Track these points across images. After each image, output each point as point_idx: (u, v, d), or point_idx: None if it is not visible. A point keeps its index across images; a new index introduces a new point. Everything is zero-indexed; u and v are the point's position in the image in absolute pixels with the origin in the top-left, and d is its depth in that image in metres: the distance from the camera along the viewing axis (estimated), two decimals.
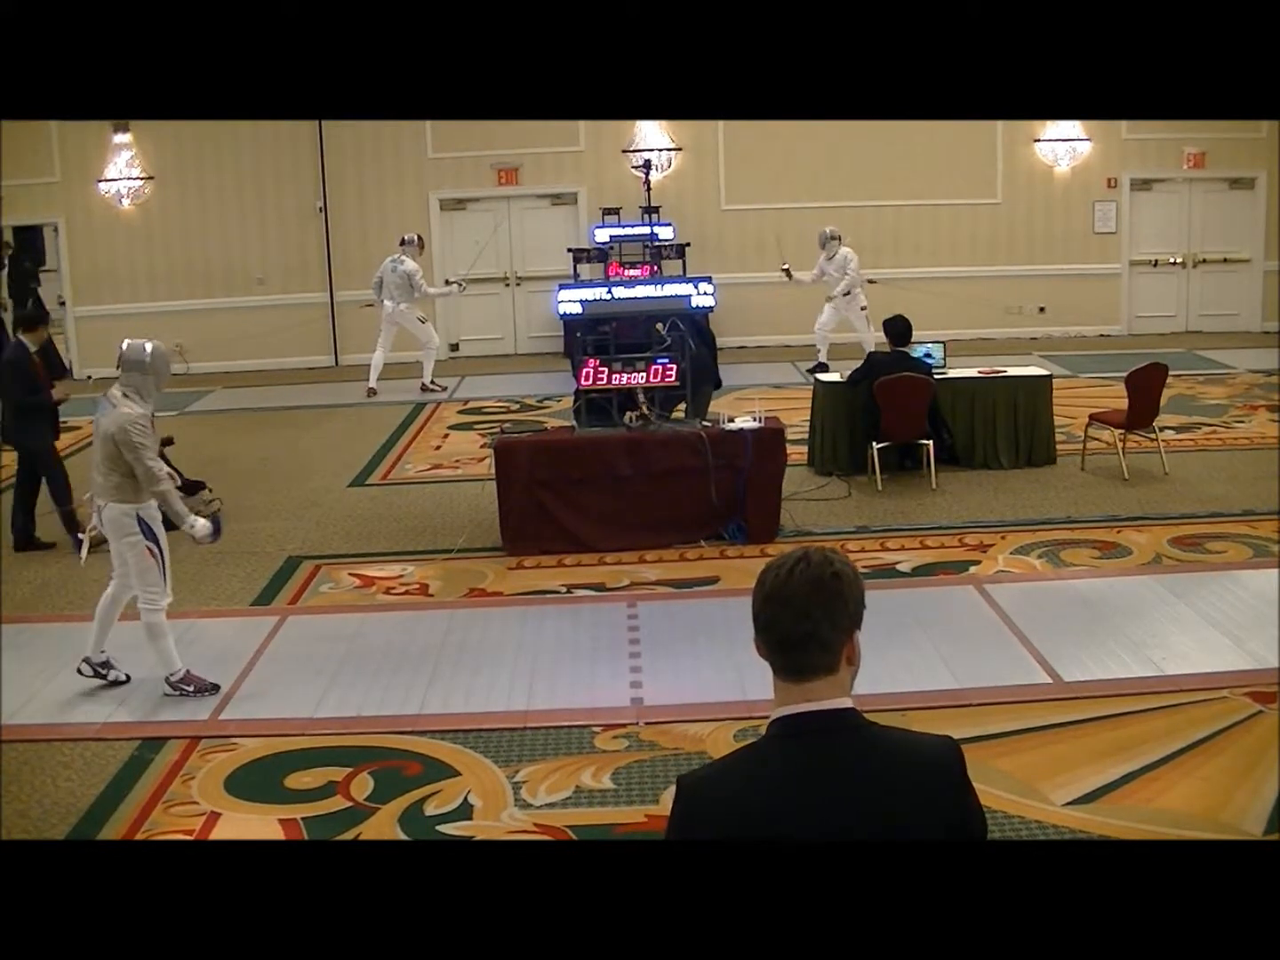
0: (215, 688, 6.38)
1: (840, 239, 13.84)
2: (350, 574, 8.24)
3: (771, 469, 8.53)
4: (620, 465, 8.42)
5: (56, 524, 9.00)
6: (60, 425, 9.42)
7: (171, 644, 6.33)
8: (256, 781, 5.50)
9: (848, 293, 13.78)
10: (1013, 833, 4.82)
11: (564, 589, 7.81)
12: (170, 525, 6.35)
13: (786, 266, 14.11)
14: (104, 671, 6.44)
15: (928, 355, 10.26)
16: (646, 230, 15.04)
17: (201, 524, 6.27)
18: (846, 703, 2.15)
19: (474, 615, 7.46)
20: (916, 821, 2.09)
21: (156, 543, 6.26)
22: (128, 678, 6.47)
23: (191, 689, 6.33)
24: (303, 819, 5.16)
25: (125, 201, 16.43)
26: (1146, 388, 9.84)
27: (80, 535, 6.48)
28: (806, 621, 2.11)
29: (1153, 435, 9.93)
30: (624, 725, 5.88)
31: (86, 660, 6.41)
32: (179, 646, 6.41)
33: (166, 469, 6.30)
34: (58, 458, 9.21)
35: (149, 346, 6.20)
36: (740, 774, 2.17)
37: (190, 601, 7.79)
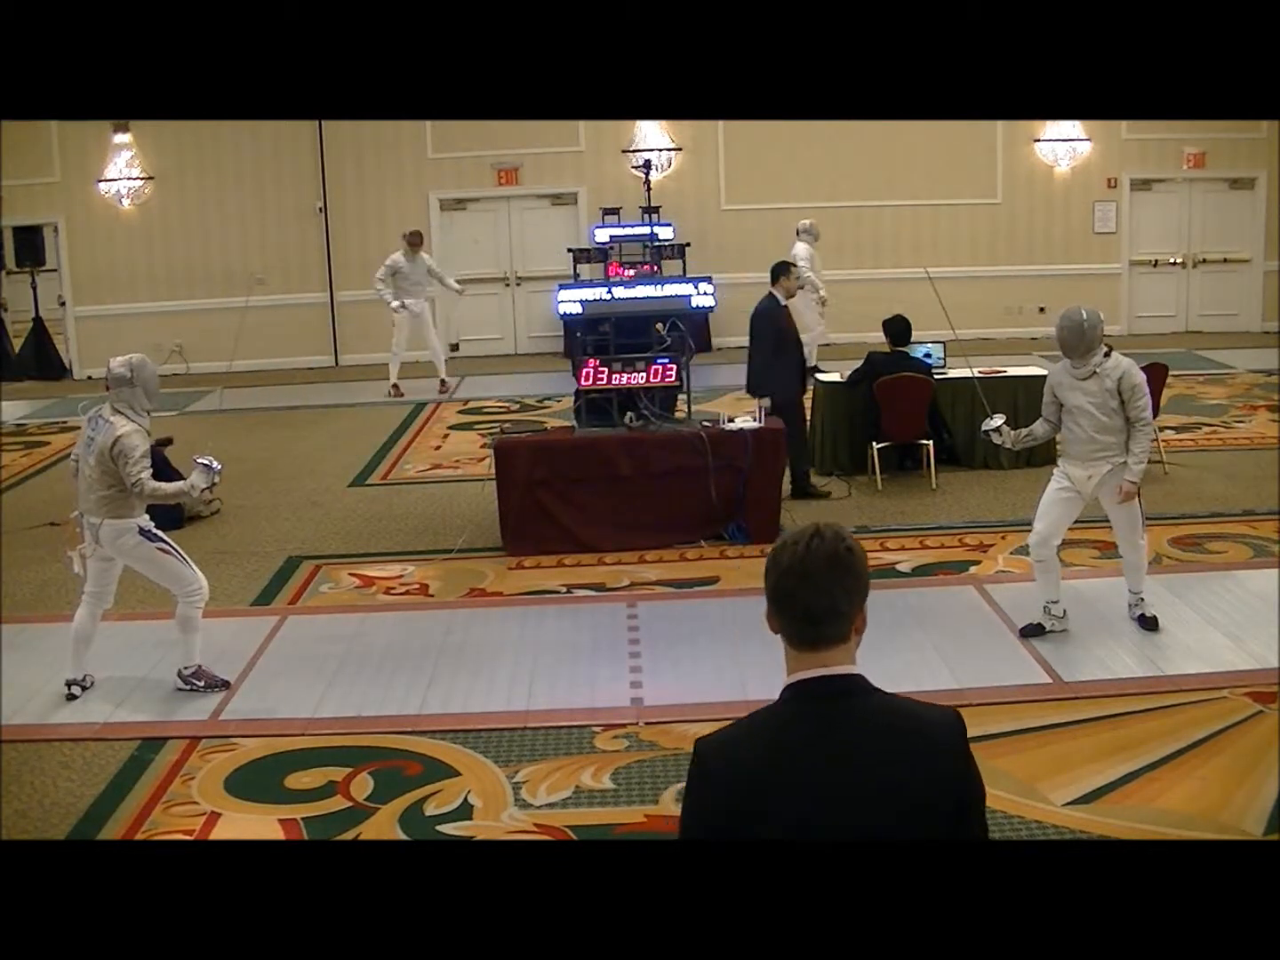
0: (225, 684, 6.40)
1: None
2: (350, 574, 8.24)
3: (771, 469, 8.52)
4: (620, 465, 8.42)
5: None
6: (809, 376, 9.45)
7: (199, 640, 6.36)
8: (256, 781, 5.50)
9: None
10: (1013, 833, 4.81)
11: (564, 589, 7.81)
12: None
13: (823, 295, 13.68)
14: (87, 685, 6.42)
15: (927, 355, 10.26)
16: (646, 230, 15.03)
17: (196, 476, 6.20)
18: (855, 669, 2.28)
19: (474, 615, 7.45)
20: (920, 780, 2.20)
21: (164, 540, 6.27)
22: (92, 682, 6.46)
23: (202, 684, 6.35)
24: (303, 819, 5.15)
25: (125, 201, 16.43)
26: None
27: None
28: (826, 596, 2.24)
29: (1153, 435, 9.89)
30: (624, 725, 5.87)
31: (70, 682, 6.35)
32: (177, 647, 6.41)
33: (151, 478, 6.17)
34: (803, 413, 9.51)
35: (133, 359, 6.20)
36: (757, 735, 2.26)
37: None
